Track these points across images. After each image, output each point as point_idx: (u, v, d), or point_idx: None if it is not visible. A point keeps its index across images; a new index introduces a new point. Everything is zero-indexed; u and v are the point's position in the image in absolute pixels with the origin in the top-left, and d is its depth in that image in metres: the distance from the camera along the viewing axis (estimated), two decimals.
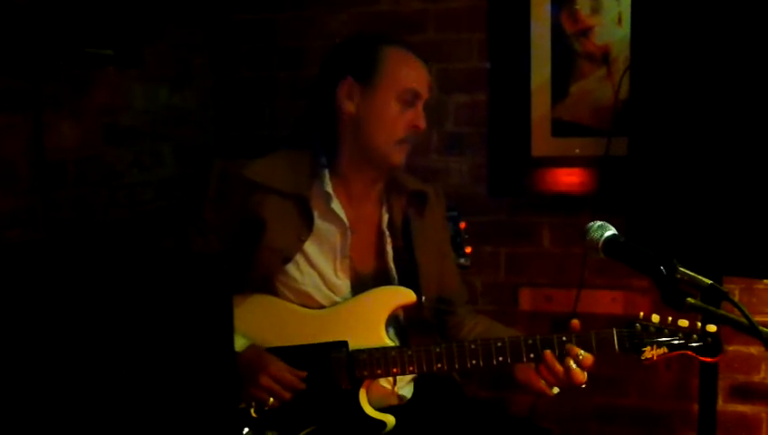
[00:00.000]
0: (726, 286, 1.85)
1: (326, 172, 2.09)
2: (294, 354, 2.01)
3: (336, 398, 2.00)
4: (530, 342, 1.90)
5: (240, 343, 2.00)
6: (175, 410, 1.64)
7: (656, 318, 1.85)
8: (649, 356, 1.84)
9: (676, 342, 1.83)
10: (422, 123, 2.07)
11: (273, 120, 3.24)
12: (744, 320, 1.45)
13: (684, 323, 1.83)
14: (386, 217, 2.15)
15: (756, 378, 2.89)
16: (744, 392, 2.90)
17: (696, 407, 2.62)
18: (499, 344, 1.92)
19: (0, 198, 2.22)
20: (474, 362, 1.94)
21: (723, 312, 1.51)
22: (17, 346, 1.66)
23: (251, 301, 2.07)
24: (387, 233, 2.15)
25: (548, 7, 2.90)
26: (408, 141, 2.07)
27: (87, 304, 1.65)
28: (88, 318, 1.65)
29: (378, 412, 2.02)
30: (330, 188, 2.08)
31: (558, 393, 1.95)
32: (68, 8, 2.34)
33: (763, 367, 2.87)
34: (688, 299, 1.52)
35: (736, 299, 1.52)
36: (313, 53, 3.16)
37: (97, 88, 2.58)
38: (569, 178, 2.95)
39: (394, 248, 2.15)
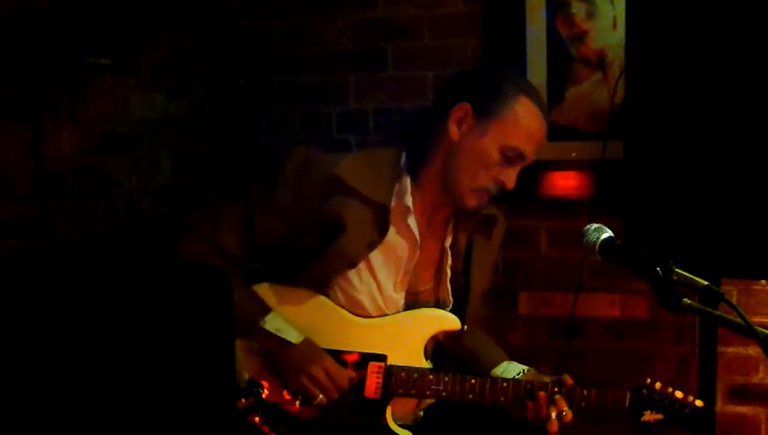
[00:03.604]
0: (724, 288, 1.87)
1: (408, 180, 2.01)
2: (334, 358, 2.00)
3: (363, 408, 2.00)
4: (528, 386, 1.98)
5: (295, 336, 1.97)
6: (174, 422, 1.65)
7: (658, 385, 1.97)
8: (647, 419, 1.97)
9: (671, 413, 1.96)
10: (511, 184, 1.99)
11: (270, 127, 3.24)
12: (740, 321, 1.46)
13: (679, 394, 1.96)
14: (450, 238, 2.11)
15: (755, 379, 2.89)
16: (743, 393, 2.90)
17: None
18: (528, 387, 1.98)
19: None
20: (503, 398, 1.99)
21: (718, 313, 1.52)
22: (16, 356, 1.66)
23: (305, 298, 2.04)
24: (449, 253, 2.11)
25: (543, 12, 2.91)
26: (488, 192, 2.00)
27: (86, 313, 1.66)
28: (86, 328, 1.65)
29: (399, 428, 2.03)
30: (410, 202, 2.00)
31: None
32: (65, 18, 2.35)
33: (762, 368, 2.88)
34: (684, 300, 1.53)
35: (734, 300, 1.54)
36: (309, 60, 3.17)
37: (94, 96, 2.58)
38: (565, 182, 2.96)
39: (452, 270, 2.11)
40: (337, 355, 2.01)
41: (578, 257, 2.78)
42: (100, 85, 2.61)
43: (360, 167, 1.99)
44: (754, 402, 2.89)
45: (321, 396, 1.96)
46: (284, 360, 1.98)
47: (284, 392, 2.01)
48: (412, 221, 2.01)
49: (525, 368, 2.10)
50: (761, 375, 2.88)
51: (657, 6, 2.29)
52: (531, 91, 2.00)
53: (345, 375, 1.99)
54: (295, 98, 3.20)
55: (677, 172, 2.27)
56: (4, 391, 1.65)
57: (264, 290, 2.05)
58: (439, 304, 2.12)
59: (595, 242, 1.69)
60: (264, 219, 1.98)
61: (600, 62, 2.89)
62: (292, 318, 2.02)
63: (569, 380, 1.99)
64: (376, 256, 2.01)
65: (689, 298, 1.54)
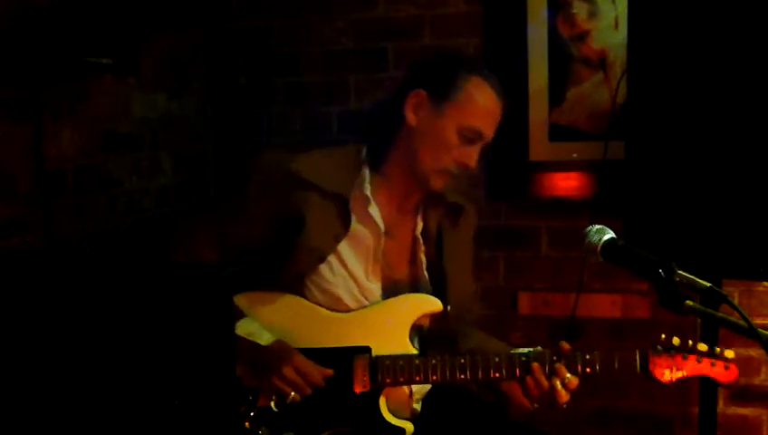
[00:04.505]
0: (726, 289, 1.86)
1: (367, 171, 2.08)
2: (318, 356, 2.01)
3: (356, 402, 2.01)
4: (523, 358, 1.97)
5: (266, 338, 2.01)
6: (176, 421, 1.64)
7: (676, 341, 1.91)
8: (668, 378, 1.91)
9: (694, 366, 1.89)
10: (473, 163, 2.04)
11: (271, 127, 3.24)
12: (743, 322, 1.46)
13: (703, 347, 1.90)
14: (420, 225, 2.14)
15: (756, 380, 2.89)
16: (745, 395, 2.90)
17: (696, 410, 2.62)
18: (523, 359, 1.96)
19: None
20: (497, 374, 1.97)
21: (721, 314, 1.52)
22: (17, 355, 1.66)
23: (279, 300, 2.08)
24: (420, 240, 2.14)
25: (544, 12, 2.90)
26: (452, 173, 2.05)
27: (86, 313, 1.66)
28: (87, 327, 1.65)
29: (396, 419, 2.03)
30: (369, 192, 2.06)
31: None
32: (66, 17, 2.34)
33: (764, 369, 2.88)
34: (687, 302, 1.52)
35: (736, 302, 1.54)
36: (309, 60, 3.17)
37: (95, 96, 2.58)
38: (566, 183, 2.95)
39: (426, 256, 2.14)
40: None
41: (578, 258, 2.77)
42: (102, 85, 2.61)
43: (316, 161, 2.06)
44: (756, 404, 2.89)
45: (293, 394, 1.97)
46: (257, 362, 1.99)
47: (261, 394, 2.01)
48: (373, 210, 2.06)
49: (531, 349, 2.06)
50: (762, 377, 2.88)
51: (658, 7, 2.29)
52: (483, 72, 2.05)
53: (317, 371, 1.98)
54: (296, 98, 3.20)
55: (679, 173, 2.27)
56: (4, 391, 1.65)
57: (240, 301, 2.08)
58: (419, 291, 2.14)
59: (597, 243, 1.69)
60: (236, 226, 2.07)
61: (601, 63, 2.88)
62: (272, 323, 2.04)
63: (565, 345, 1.97)
64: (344, 248, 2.06)
65: (691, 299, 1.54)
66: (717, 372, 1.89)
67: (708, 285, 1.51)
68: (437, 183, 2.05)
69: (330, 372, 1.99)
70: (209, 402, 1.66)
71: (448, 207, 2.17)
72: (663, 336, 1.92)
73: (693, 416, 2.83)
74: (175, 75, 3.03)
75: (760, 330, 1.45)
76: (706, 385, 2.54)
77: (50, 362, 1.65)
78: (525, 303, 3.08)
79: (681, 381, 1.90)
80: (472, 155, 2.03)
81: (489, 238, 3.06)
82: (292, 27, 3.19)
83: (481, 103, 2.02)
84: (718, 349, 1.89)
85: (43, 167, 2.34)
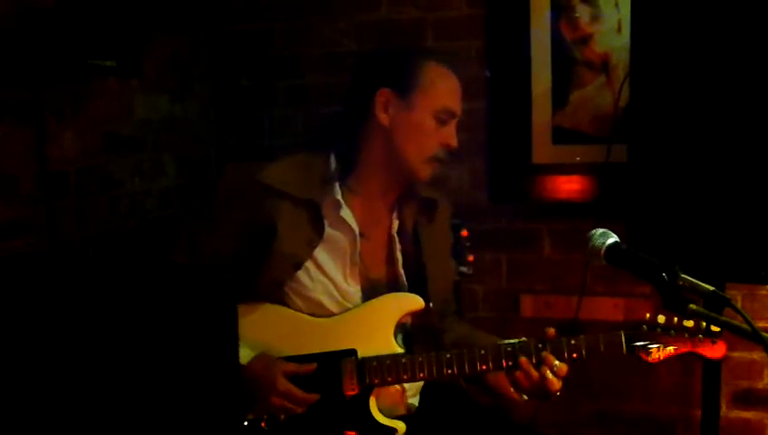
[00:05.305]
0: (729, 292, 1.87)
1: (337, 176, 2.08)
2: (304, 363, 2.00)
3: (346, 406, 2.00)
4: (509, 349, 1.94)
5: (245, 354, 1.98)
6: (179, 424, 1.64)
7: (661, 319, 1.88)
8: (656, 356, 1.88)
9: (681, 342, 1.87)
10: (454, 142, 2.08)
11: (273, 129, 3.24)
12: (746, 326, 1.46)
13: (689, 323, 1.87)
14: (396, 224, 2.15)
15: (759, 384, 2.89)
16: (747, 399, 2.90)
17: (698, 413, 2.62)
18: (509, 349, 1.94)
19: (2, 209, 2.22)
20: (484, 366, 1.96)
21: (725, 318, 1.52)
22: (19, 357, 1.66)
23: (259, 310, 2.07)
24: (396, 239, 2.15)
25: (547, 15, 2.90)
26: (438, 159, 2.08)
27: (90, 314, 1.66)
28: (91, 329, 1.65)
29: (388, 419, 2.02)
30: (339, 196, 2.07)
31: (532, 399, 1.98)
32: (70, 19, 2.35)
33: (766, 373, 2.87)
34: (690, 305, 1.52)
35: (739, 305, 1.54)
36: (311, 62, 3.17)
37: (98, 98, 2.58)
38: (569, 186, 2.95)
39: (403, 254, 2.15)
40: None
41: (581, 261, 2.76)
42: (105, 86, 2.62)
43: (284, 169, 2.07)
44: (759, 407, 2.89)
45: (282, 416, 1.98)
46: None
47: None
48: (346, 213, 2.07)
49: (517, 339, 2.01)
50: (765, 380, 2.88)
51: (662, 10, 2.29)
52: (435, 55, 2.14)
53: (300, 392, 1.97)
54: (298, 100, 3.20)
55: (682, 176, 2.27)
56: (7, 392, 1.65)
57: None
58: (398, 290, 2.14)
59: (601, 247, 1.68)
60: (208, 238, 2.08)
61: (604, 66, 2.88)
62: (254, 335, 2.02)
63: (551, 331, 1.95)
64: (320, 253, 2.06)
65: (694, 303, 1.54)
66: (704, 347, 1.86)
67: (711, 288, 1.51)
68: (426, 173, 2.08)
69: (311, 366, 1.98)
70: (212, 404, 1.66)
71: (423, 202, 2.19)
72: (648, 315, 1.89)
73: (695, 419, 2.83)
74: (177, 77, 3.03)
75: (763, 333, 1.45)
76: (709, 388, 2.54)
77: (53, 363, 1.65)
78: (527, 305, 3.08)
79: (669, 358, 1.87)
80: (451, 134, 2.07)
81: (492, 241, 3.06)
82: (294, 29, 3.19)
83: (445, 85, 2.07)
84: (704, 324, 1.85)
85: (45, 168, 2.35)
